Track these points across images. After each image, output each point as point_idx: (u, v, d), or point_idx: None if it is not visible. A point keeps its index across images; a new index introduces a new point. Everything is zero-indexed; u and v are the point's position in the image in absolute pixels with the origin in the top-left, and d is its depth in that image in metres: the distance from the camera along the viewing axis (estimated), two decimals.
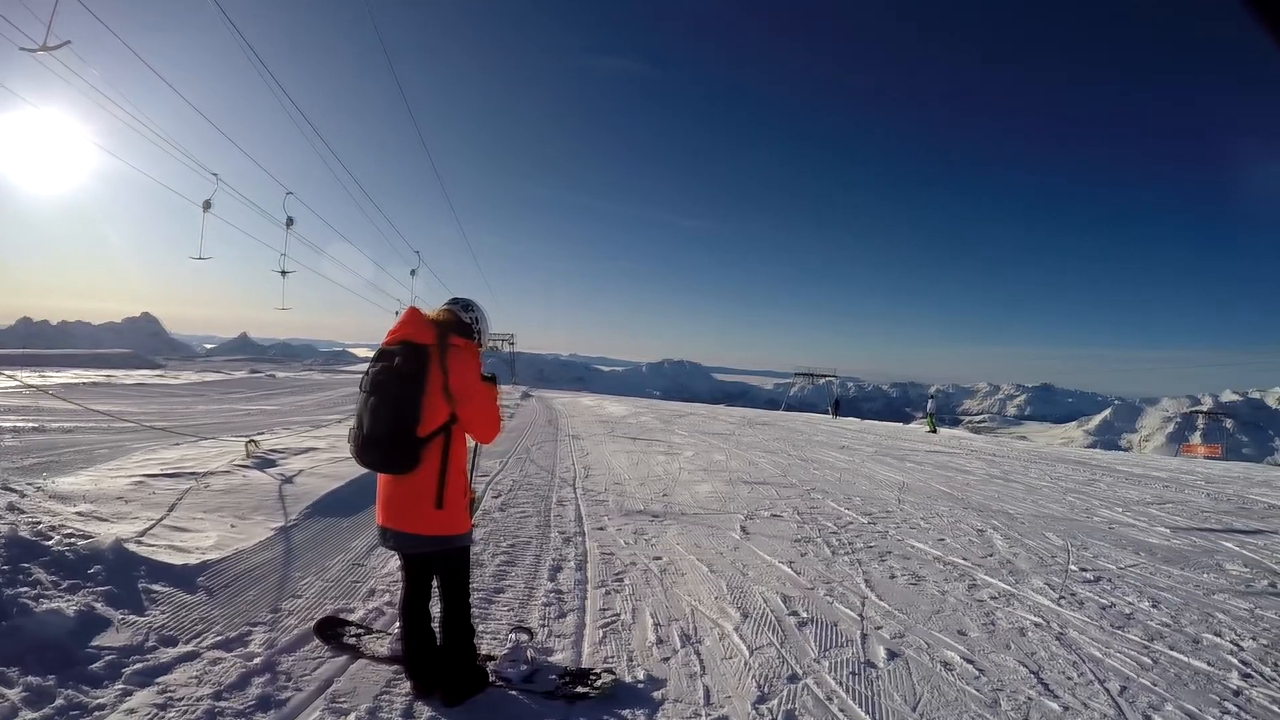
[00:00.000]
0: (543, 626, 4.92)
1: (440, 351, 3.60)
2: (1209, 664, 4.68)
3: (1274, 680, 4.48)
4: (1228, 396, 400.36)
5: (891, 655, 4.60)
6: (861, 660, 4.52)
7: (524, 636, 4.54)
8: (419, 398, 3.52)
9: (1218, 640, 5.11)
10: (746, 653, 4.55)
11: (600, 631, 4.87)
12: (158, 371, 38.72)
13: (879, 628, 5.06)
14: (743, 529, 7.92)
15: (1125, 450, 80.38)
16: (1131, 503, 11.28)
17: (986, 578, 6.43)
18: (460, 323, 3.93)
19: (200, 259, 17.04)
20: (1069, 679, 4.36)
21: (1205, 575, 6.84)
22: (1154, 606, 5.80)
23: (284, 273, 21.15)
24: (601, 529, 7.72)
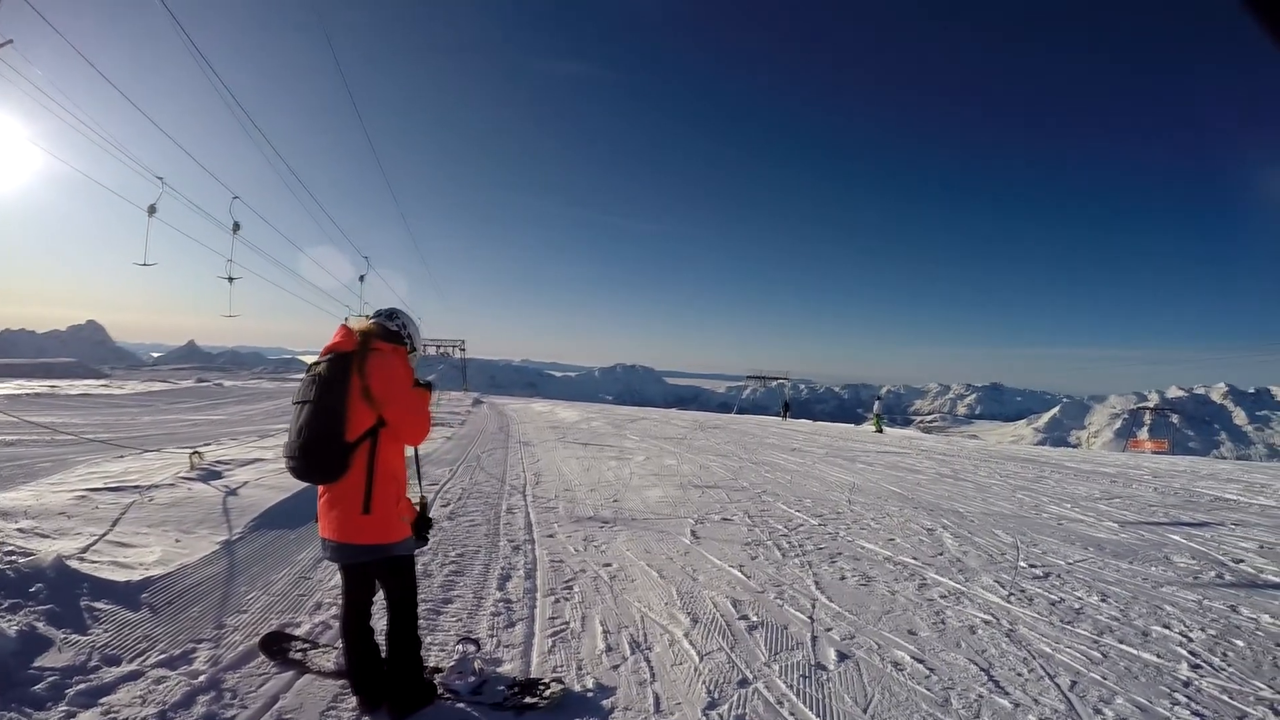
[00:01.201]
0: (491, 637, 4.81)
1: (360, 357, 3.57)
2: (1158, 656, 4.67)
3: (1223, 670, 4.48)
4: (1174, 393, 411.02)
5: (842, 657, 4.53)
6: (812, 663, 4.44)
7: (471, 647, 4.44)
8: (343, 403, 3.46)
9: (1167, 632, 5.11)
10: (696, 658, 4.45)
11: (549, 640, 4.76)
12: (103, 381, 37.64)
13: (829, 630, 4.99)
14: (693, 534, 7.81)
15: (1074, 447, 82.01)
16: (1080, 498, 11.37)
17: (936, 576, 6.39)
18: (387, 331, 3.88)
19: (145, 265, 16.57)
20: (1019, 675, 4.32)
21: (1153, 568, 6.88)
22: (1103, 601, 5.81)
23: (230, 279, 20.71)
24: (551, 536, 7.57)
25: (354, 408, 3.48)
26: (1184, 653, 4.74)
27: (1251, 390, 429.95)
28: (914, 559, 7.03)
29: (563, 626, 4.99)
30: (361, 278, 28.83)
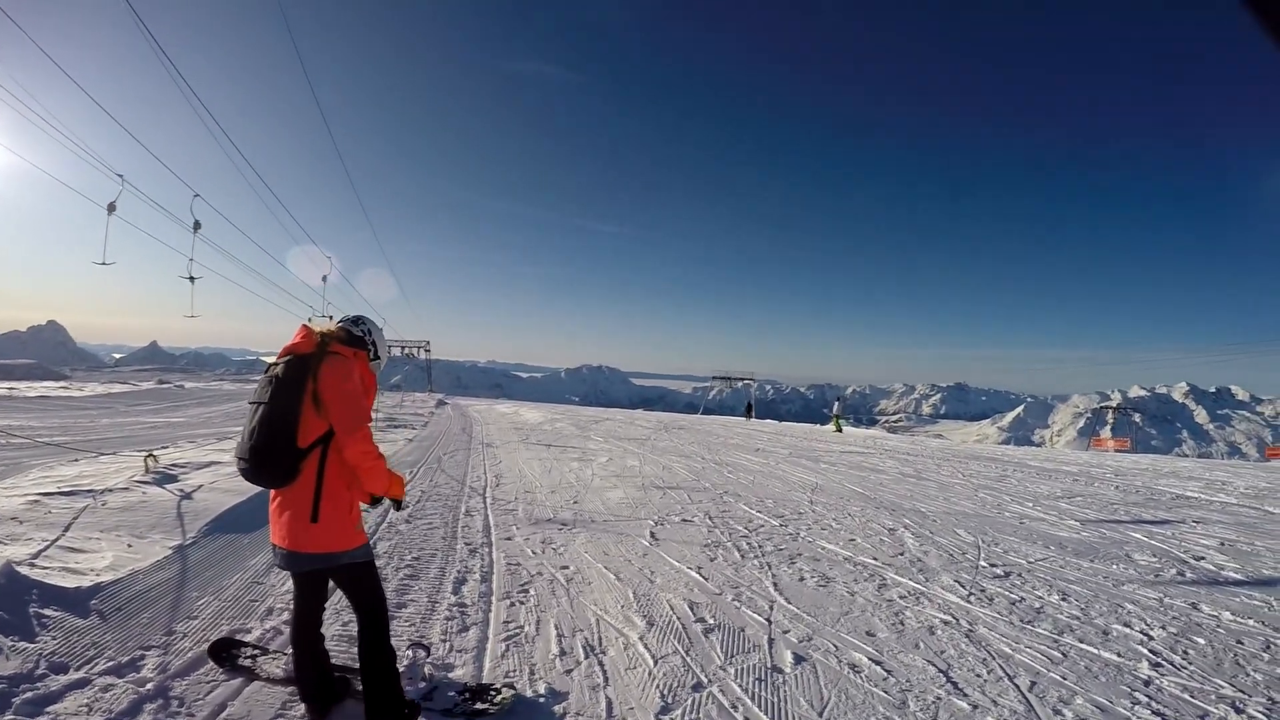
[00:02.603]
0: (444, 641, 4.68)
1: (316, 359, 3.42)
2: (1119, 655, 4.61)
3: (1184, 668, 4.43)
4: (1136, 392, 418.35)
5: (798, 659, 4.43)
6: (768, 666, 4.33)
7: (421, 653, 4.33)
8: (296, 406, 3.31)
9: (1127, 631, 5.06)
10: (651, 662, 4.32)
11: (503, 645, 4.61)
12: (62, 383, 36.94)
13: (786, 632, 4.88)
14: (652, 535, 7.68)
15: (1037, 445, 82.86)
16: (1042, 497, 11.37)
17: (896, 577, 6.31)
18: (351, 335, 3.72)
19: (104, 264, 16.16)
20: (978, 676, 4.23)
21: (1114, 566, 6.85)
22: (1064, 600, 5.75)
23: (192, 279, 20.30)
24: (509, 539, 7.42)
25: (306, 412, 3.33)
26: (1145, 651, 4.68)
27: (1212, 389, 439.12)
28: (874, 559, 6.95)
29: (517, 630, 4.85)
30: (324, 278, 28.41)
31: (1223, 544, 7.87)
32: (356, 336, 3.75)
